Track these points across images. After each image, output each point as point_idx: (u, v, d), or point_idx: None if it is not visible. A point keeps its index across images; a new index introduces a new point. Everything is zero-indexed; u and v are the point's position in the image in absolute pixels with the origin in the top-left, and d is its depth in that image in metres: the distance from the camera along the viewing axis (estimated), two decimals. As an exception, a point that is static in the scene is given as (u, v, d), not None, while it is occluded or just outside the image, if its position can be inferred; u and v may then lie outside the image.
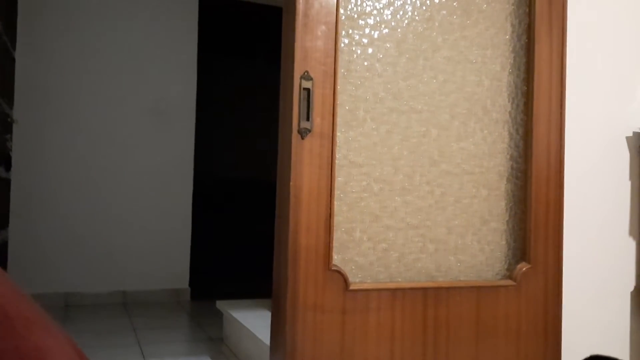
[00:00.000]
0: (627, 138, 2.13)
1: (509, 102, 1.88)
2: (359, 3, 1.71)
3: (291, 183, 1.60)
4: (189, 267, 3.95)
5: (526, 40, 1.90)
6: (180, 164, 3.93)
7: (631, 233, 2.13)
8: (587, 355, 2.04)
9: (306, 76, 1.60)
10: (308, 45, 1.61)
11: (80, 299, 3.62)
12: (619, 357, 2.10)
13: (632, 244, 2.13)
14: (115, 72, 3.78)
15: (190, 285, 3.95)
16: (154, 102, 3.87)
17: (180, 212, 3.92)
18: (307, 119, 1.60)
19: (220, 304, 2.84)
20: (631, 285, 2.13)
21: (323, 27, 1.63)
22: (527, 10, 1.90)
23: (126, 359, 2.45)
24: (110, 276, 3.72)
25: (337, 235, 1.68)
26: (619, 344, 2.11)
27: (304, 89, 1.60)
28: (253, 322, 2.45)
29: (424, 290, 1.73)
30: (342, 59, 1.68)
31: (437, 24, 1.80)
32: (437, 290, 1.75)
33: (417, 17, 1.78)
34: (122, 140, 3.79)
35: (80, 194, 3.68)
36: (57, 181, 3.63)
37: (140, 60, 3.84)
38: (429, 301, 1.73)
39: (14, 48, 3.50)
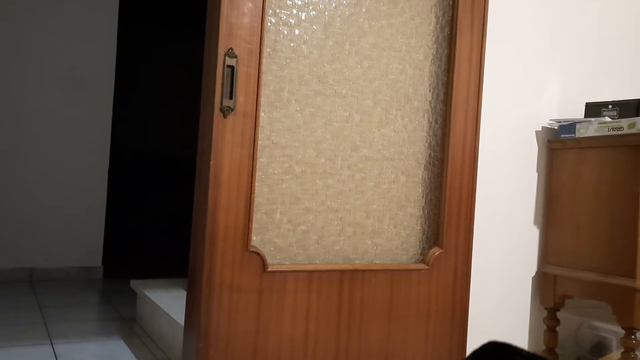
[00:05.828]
0: (537, 132, 2.25)
1: (429, 91, 1.93)
2: (287, -18, 1.69)
3: (211, 162, 1.57)
4: (103, 244, 3.81)
5: (449, 32, 1.95)
6: (97, 137, 3.75)
7: (535, 222, 2.26)
8: (490, 336, 2.16)
9: (231, 53, 1.57)
10: (234, 22, 1.58)
11: (-19, 276, 3.41)
12: (519, 338, 2.24)
13: (536, 232, 2.27)
14: (27, 35, 3.54)
15: (103, 263, 3.81)
16: (69, 69, 3.66)
17: (95, 187, 3.75)
18: (230, 97, 1.57)
19: (134, 283, 2.76)
20: (533, 271, 2.27)
21: (250, 4, 1.59)
22: (451, 2, 1.95)
23: (31, 340, 2.33)
24: (15, 252, 3.52)
25: (257, 217, 1.67)
26: (520, 326, 2.25)
27: (228, 66, 1.56)
28: (167, 301, 2.41)
29: (341, 272, 1.76)
30: (269, 38, 1.66)
31: (364, 9, 1.81)
32: (354, 272, 1.78)
33: (344, 1, 1.78)
34: (32, 109, 3.57)
35: (-17, 164, 3.44)
36: (-42, 149, 3.38)
37: (55, 24, 3.61)
38: (345, 283, 1.77)
39: None
